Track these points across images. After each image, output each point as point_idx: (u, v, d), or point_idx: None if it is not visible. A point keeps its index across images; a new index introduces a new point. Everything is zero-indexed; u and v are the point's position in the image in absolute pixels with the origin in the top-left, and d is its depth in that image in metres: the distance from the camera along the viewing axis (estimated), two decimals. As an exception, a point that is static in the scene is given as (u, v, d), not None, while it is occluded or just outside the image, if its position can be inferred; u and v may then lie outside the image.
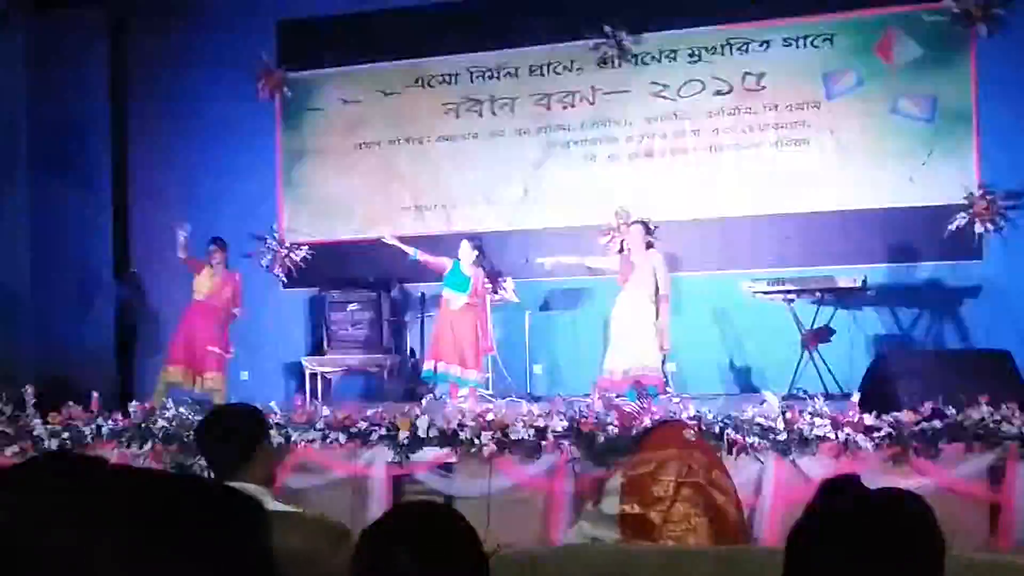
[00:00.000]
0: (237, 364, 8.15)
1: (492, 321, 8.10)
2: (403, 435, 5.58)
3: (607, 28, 8.67)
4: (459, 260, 7.71)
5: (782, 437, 5.19)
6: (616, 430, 5.35)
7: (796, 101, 8.43)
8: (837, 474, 1.64)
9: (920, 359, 6.58)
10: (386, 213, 9.27)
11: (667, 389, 7.28)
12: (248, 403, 3.10)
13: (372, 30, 9.25)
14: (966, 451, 5.08)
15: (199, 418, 5.84)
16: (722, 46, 8.61)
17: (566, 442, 5.37)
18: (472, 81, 9.18)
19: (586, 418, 5.47)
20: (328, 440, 5.72)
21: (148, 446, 5.89)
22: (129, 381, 9.02)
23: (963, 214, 7.94)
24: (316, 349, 9.03)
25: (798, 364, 7.32)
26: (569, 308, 8.77)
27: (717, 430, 5.24)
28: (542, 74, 9.05)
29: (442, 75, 9.26)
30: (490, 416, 5.64)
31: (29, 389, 6.33)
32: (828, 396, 6.12)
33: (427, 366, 7.66)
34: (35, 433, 6.06)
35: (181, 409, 6.02)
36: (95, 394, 6.39)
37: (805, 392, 6.68)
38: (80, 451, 5.66)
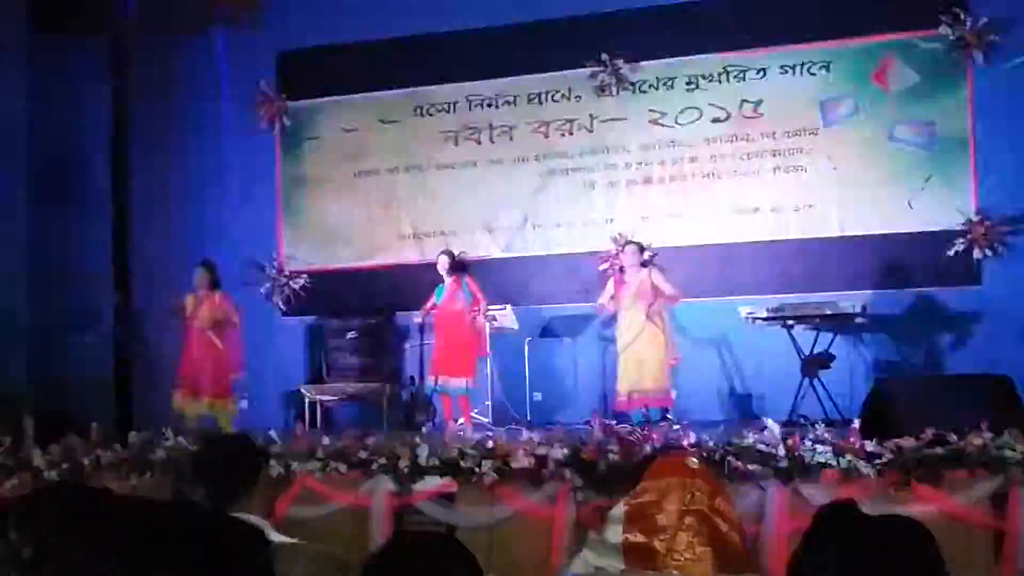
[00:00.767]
0: (237, 392, 8.15)
1: (487, 331, 8.12)
2: (404, 464, 5.56)
3: (604, 56, 8.75)
4: (441, 285, 7.89)
5: (783, 464, 5.15)
6: (617, 458, 5.33)
7: (794, 128, 8.49)
8: (835, 501, 1.63)
9: (920, 385, 6.57)
10: (386, 240, 9.32)
11: (667, 415, 7.28)
12: (245, 432, 3.10)
13: (372, 59, 9.33)
14: (968, 478, 5.06)
15: (196, 447, 5.87)
16: (719, 73, 8.68)
17: (567, 470, 5.35)
18: (471, 109, 9.25)
19: (587, 446, 5.45)
20: (328, 469, 5.68)
21: (148, 476, 5.86)
22: (129, 411, 8.98)
23: (962, 239, 7.98)
24: (315, 377, 9.03)
25: (798, 390, 7.33)
26: (569, 334, 8.78)
27: (718, 457, 5.21)
28: (540, 102, 9.12)
29: (441, 103, 9.32)
30: (491, 444, 5.62)
31: (29, 420, 6.32)
32: (829, 422, 6.09)
33: (431, 380, 7.83)
34: (34, 464, 6.04)
35: (181, 439, 6.00)
36: (94, 425, 6.38)
37: (806, 418, 6.67)
38: (80, 482, 5.64)
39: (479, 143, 9.24)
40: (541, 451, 5.47)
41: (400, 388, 8.75)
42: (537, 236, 9.01)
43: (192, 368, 7.75)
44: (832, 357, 7.47)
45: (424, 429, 6.51)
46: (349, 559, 2.40)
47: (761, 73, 8.59)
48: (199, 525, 1.19)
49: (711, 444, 5.33)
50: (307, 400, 8.59)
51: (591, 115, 8.96)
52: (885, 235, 8.20)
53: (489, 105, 9.22)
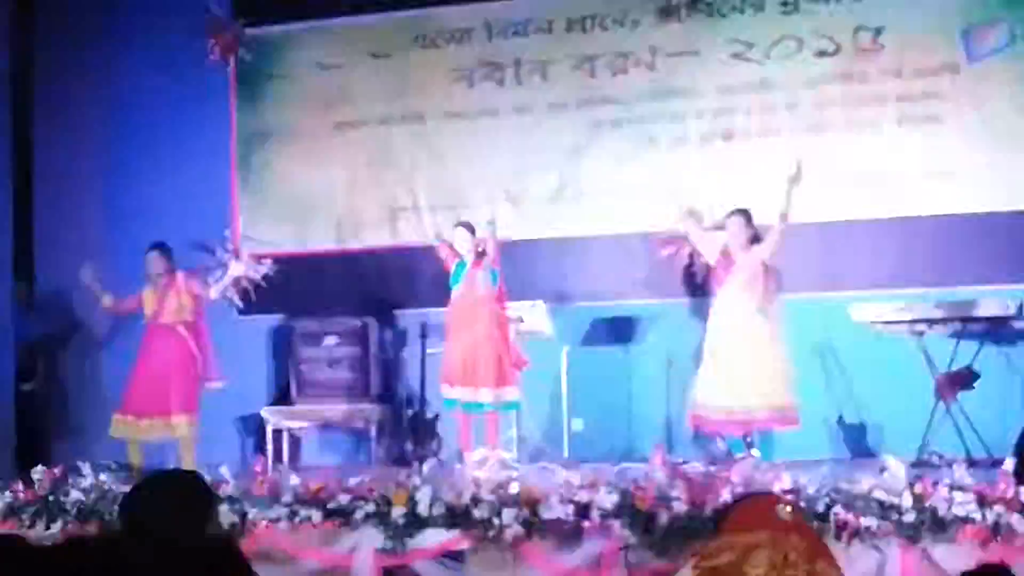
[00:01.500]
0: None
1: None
2: (397, 513, 5.59)
3: (672, -33, 8.74)
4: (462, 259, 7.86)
5: (910, 518, 5.16)
6: (684, 506, 5.33)
7: (926, 65, 8.41)
8: (982, 566, 1.62)
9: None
10: (376, 215, 9.34)
11: (749, 447, 7.26)
12: (190, 469, 3.13)
13: (358, -29, 9.39)
14: None
15: (127, 488, 5.93)
16: (827, -9, 8.64)
17: (616, 523, 5.36)
18: (491, 40, 9.24)
19: (643, 490, 5.45)
20: (297, 519, 5.72)
21: (58, 525, 5.92)
22: (35, 441, 9.07)
23: None
24: (281, 397, 9.06)
25: (930, 419, 7.28)
26: (621, 342, 8.76)
27: (822, 507, 5.22)
28: (584, 29, 9.10)
29: (451, 32, 9.32)
30: (514, 488, 5.63)
31: None
32: (971, 462, 6.08)
33: (444, 392, 7.81)
34: None
35: (102, 477, 6.05)
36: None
37: (940, 457, 6.65)
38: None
39: (501, 85, 9.23)
40: (582, 497, 5.49)
41: (394, 411, 8.77)
42: (578, 210, 8.99)
43: (152, 383, 7.85)
44: (976, 375, 7.41)
45: (426, 465, 6.51)
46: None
47: (883, -10, 8.54)
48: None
49: (812, 489, 5.32)
50: (270, 427, 8.62)
51: (652, 47, 8.92)
52: (1051, 211, 8.14)
53: (515, 33, 9.20)
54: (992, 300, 7.45)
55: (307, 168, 9.54)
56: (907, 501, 5.19)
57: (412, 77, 9.39)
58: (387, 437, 8.53)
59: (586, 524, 5.41)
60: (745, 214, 7.63)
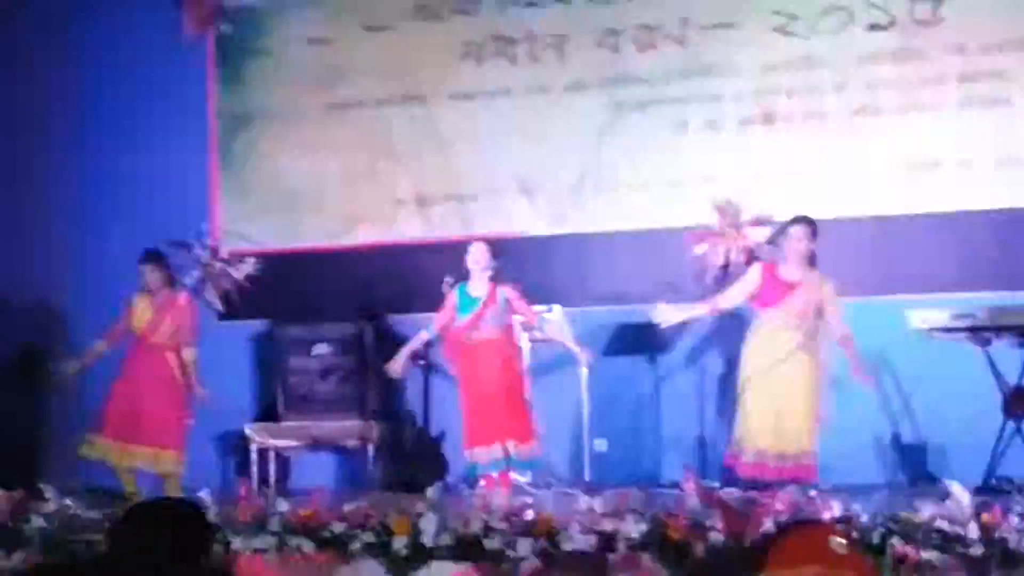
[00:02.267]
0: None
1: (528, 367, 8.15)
2: (399, 543, 5.58)
3: (706, -72, 8.76)
4: (463, 283, 7.81)
5: (976, 551, 5.14)
6: (722, 537, 5.33)
7: (993, 40, 8.41)
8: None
9: None
10: (373, 208, 9.37)
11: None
12: (184, 498, 3.16)
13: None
14: None
15: (95, 514, 5.95)
16: (879, -45, 8.64)
17: (645, 555, 5.36)
18: (502, 11, 9.27)
19: (676, 518, 5.45)
20: (285, 549, 5.73)
21: (18, 556, 5.93)
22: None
23: None
24: (267, 412, 9.09)
25: (998, 439, 7.28)
26: (648, 352, 8.77)
27: (877, 539, 5.20)
28: (607, 1, 9.10)
29: (457, 2, 9.34)
30: (530, 515, 5.63)
31: None
32: (1046, 488, 6.08)
33: (468, 456, 7.74)
34: None
35: (67, 501, 6.07)
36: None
37: (1011, 483, 6.62)
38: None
39: (513, 62, 9.25)
40: (606, 526, 5.48)
41: (394, 428, 8.78)
42: (600, 202, 9.01)
43: (136, 408, 7.92)
44: (1051, 389, 7.41)
45: (431, 490, 6.52)
46: None
47: (945, -45, 8.54)
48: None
49: (866, 518, 5.32)
50: (254, 445, 8.65)
51: (683, 19, 8.94)
52: None
53: (530, 4, 9.22)
54: (1069, 305, 7.46)
55: (295, 155, 9.57)
56: (973, 532, 5.17)
57: (413, 53, 9.40)
58: (386, 458, 8.54)
59: (611, 556, 5.41)
60: (810, 224, 7.49)
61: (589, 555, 5.44)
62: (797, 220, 7.57)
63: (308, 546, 5.72)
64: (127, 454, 7.91)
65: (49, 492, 6.37)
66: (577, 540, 5.45)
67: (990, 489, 6.73)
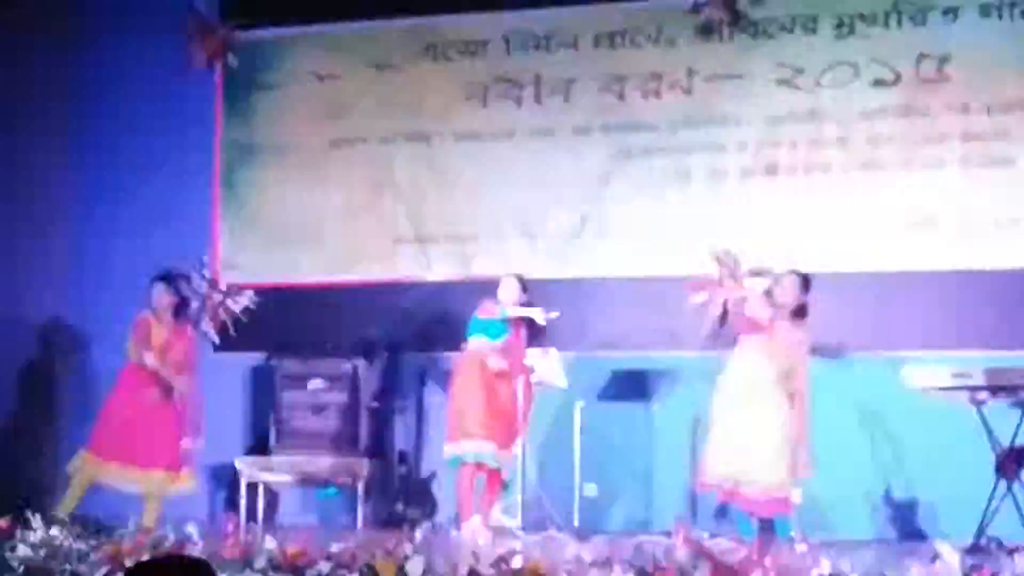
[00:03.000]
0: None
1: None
2: (386, 584, 5.57)
3: (713, -20, 8.78)
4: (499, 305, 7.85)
5: (965, 613, 5.13)
6: (710, 589, 5.31)
7: (997, 100, 8.44)
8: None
9: None
10: (373, 245, 9.38)
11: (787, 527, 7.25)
12: (198, 557, 3.14)
13: (361, -28, 9.45)
14: None
15: (81, 545, 5.92)
16: (886, 13, 8.66)
17: (632, 606, 5.34)
18: (509, 53, 9.30)
19: (663, 571, 5.43)
20: (272, 587, 5.71)
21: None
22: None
23: None
24: (258, 445, 9.08)
25: (990, 499, 7.25)
26: (642, 398, 8.76)
27: (865, 597, 5.20)
28: (613, 45, 9.15)
29: (464, 43, 9.39)
30: (517, 561, 5.61)
31: None
32: (1037, 551, 6.04)
33: (449, 449, 7.71)
34: None
35: (53, 531, 6.04)
36: None
37: (1000, 544, 6.58)
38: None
39: (519, 104, 9.28)
40: (595, 574, 5.46)
41: (385, 467, 8.76)
42: (601, 247, 9.02)
43: (132, 430, 7.90)
44: (1044, 451, 7.39)
45: (419, 531, 6.50)
46: None
47: (950, 15, 8.56)
48: None
49: (854, 576, 5.30)
50: (244, 479, 8.62)
51: (690, 69, 8.97)
52: None
53: (537, 47, 9.26)
54: (1064, 366, 7.44)
55: (298, 189, 9.60)
56: (962, 593, 5.17)
57: (418, 92, 9.44)
58: (376, 496, 8.52)
59: (599, 605, 5.39)
60: (804, 279, 7.54)
61: (575, 604, 5.43)
62: (794, 272, 7.60)
63: (294, 585, 5.71)
64: (122, 475, 7.87)
65: (36, 521, 6.33)
66: (565, 587, 5.44)
67: (980, 550, 6.70)
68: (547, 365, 8.24)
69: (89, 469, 7.89)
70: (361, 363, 8.88)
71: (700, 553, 5.69)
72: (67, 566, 5.81)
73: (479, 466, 7.67)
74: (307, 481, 8.77)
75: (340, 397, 8.81)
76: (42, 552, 5.96)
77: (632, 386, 8.78)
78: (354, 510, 8.48)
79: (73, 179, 9.74)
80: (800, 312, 7.47)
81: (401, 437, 8.92)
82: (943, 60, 8.57)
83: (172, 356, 8.07)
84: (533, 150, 9.22)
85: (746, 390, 7.36)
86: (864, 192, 8.64)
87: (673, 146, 8.98)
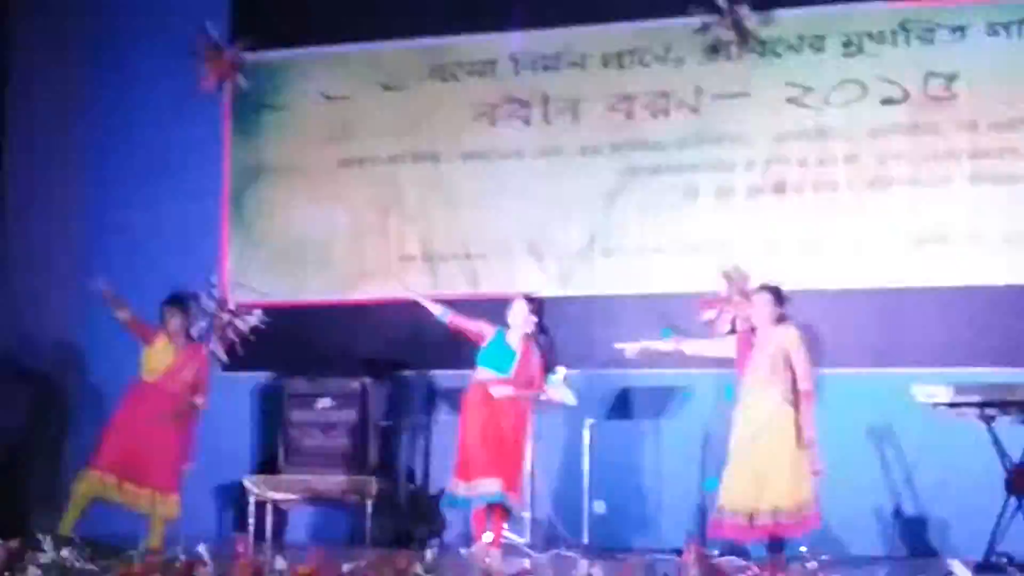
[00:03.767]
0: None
1: (533, 427, 8.10)
2: (396, 603, 5.55)
3: (721, 1, 8.78)
4: (503, 328, 7.75)
5: (977, 630, 5.10)
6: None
7: (1006, 117, 8.42)
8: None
9: None
10: (380, 264, 9.38)
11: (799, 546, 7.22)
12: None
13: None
14: None
15: (92, 567, 5.90)
16: (893, 32, 8.66)
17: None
18: (517, 73, 9.31)
19: (675, 588, 5.42)
20: (282, 606, 5.69)
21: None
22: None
23: None
24: (267, 465, 9.06)
25: (1000, 516, 7.21)
26: (652, 415, 8.74)
27: (876, 614, 5.18)
28: (621, 65, 9.15)
29: (472, 63, 9.40)
30: (528, 579, 5.60)
31: None
32: (1048, 568, 6.03)
33: (452, 488, 7.63)
34: None
35: (64, 552, 6.02)
36: None
37: (1010, 560, 6.55)
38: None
39: (527, 123, 9.29)
40: (605, 593, 5.45)
41: (394, 485, 8.74)
42: (609, 266, 9.02)
43: (138, 448, 7.89)
44: (1055, 467, 7.37)
45: (428, 550, 6.48)
46: None
47: (958, 33, 8.56)
48: None
49: (866, 594, 5.28)
50: (252, 498, 8.60)
51: (698, 87, 8.97)
52: None
53: (545, 68, 9.27)
54: (1074, 383, 7.41)
55: (306, 209, 9.61)
56: (974, 611, 5.14)
57: (427, 112, 9.45)
58: (385, 515, 8.48)
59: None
60: (774, 292, 7.49)
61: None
62: (763, 288, 7.57)
63: (304, 603, 5.68)
64: (125, 492, 7.86)
65: (46, 543, 6.31)
66: (575, 607, 5.43)
67: (990, 567, 6.68)
68: (556, 385, 8.19)
69: (88, 485, 7.86)
70: (369, 382, 8.87)
71: (711, 571, 5.67)
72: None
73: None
74: (315, 499, 8.75)
75: (348, 415, 8.79)
76: (52, 574, 5.94)
77: (641, 403, 8.76)
78: (363, 528, 8.45)
79: (83, 198, 9.72)
80: (782, 319, 7.43)
81: (409, 455, 8.90)
82: (951, 78, 8.56)
83: (181, 377, 8.05)
84: (541, 169, 9.22)
85: (760, 419, 7.28)
86: (873, 209, 8.63)
87: (681, 164, 8.97)
